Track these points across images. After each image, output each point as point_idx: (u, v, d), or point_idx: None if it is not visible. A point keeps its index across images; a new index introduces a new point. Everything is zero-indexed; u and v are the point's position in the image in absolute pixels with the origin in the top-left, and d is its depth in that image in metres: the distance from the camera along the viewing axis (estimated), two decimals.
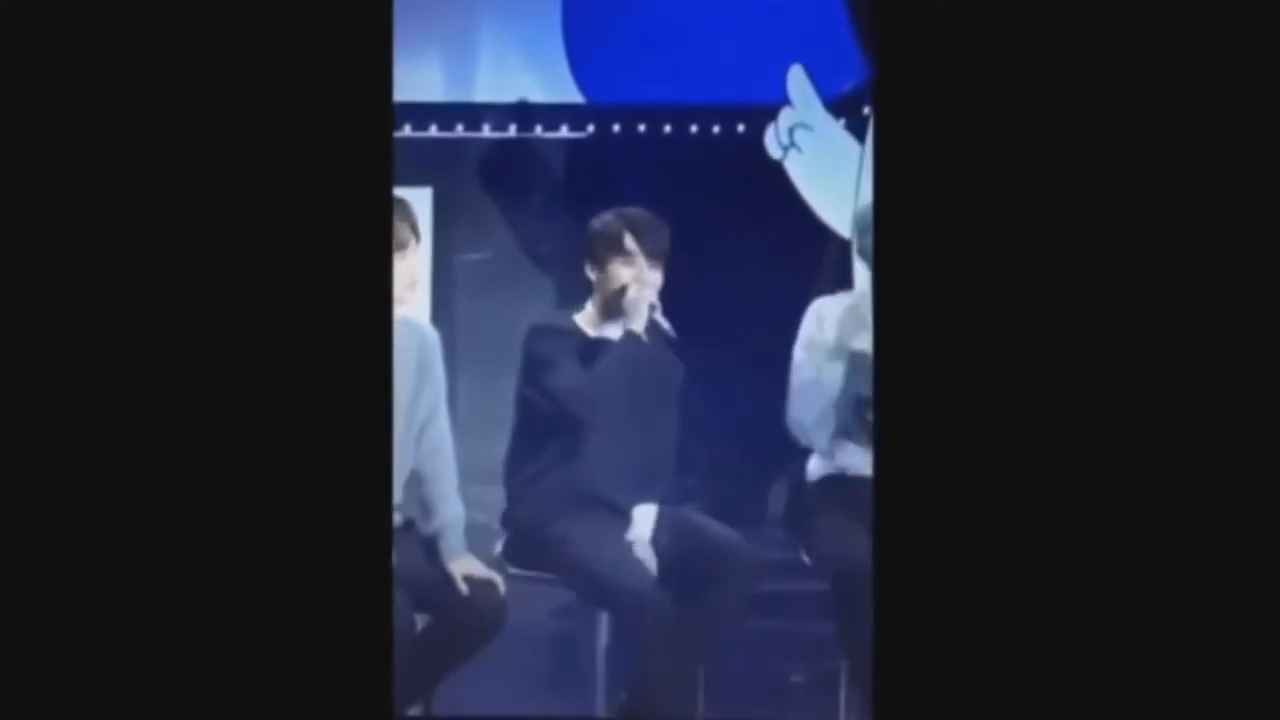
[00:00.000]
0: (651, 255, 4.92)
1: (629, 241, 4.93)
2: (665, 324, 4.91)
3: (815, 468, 4.98)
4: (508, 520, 4.98)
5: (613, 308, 4.94)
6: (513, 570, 4.87)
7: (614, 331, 4.91)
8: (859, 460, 4.85)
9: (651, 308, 4.90)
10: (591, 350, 4.90)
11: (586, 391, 4.84)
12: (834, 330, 4.94)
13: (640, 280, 4.91)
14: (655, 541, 4.83)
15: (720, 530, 4.89)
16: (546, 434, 4.92)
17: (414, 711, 4.63)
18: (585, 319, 4.98)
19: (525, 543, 4.91)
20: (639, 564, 4.79)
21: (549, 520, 4.85)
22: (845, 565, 4.65)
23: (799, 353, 4.96)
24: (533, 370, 4.91)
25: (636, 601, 4.69)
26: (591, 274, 4.98)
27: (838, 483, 4.90)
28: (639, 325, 4.89)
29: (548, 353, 4.90)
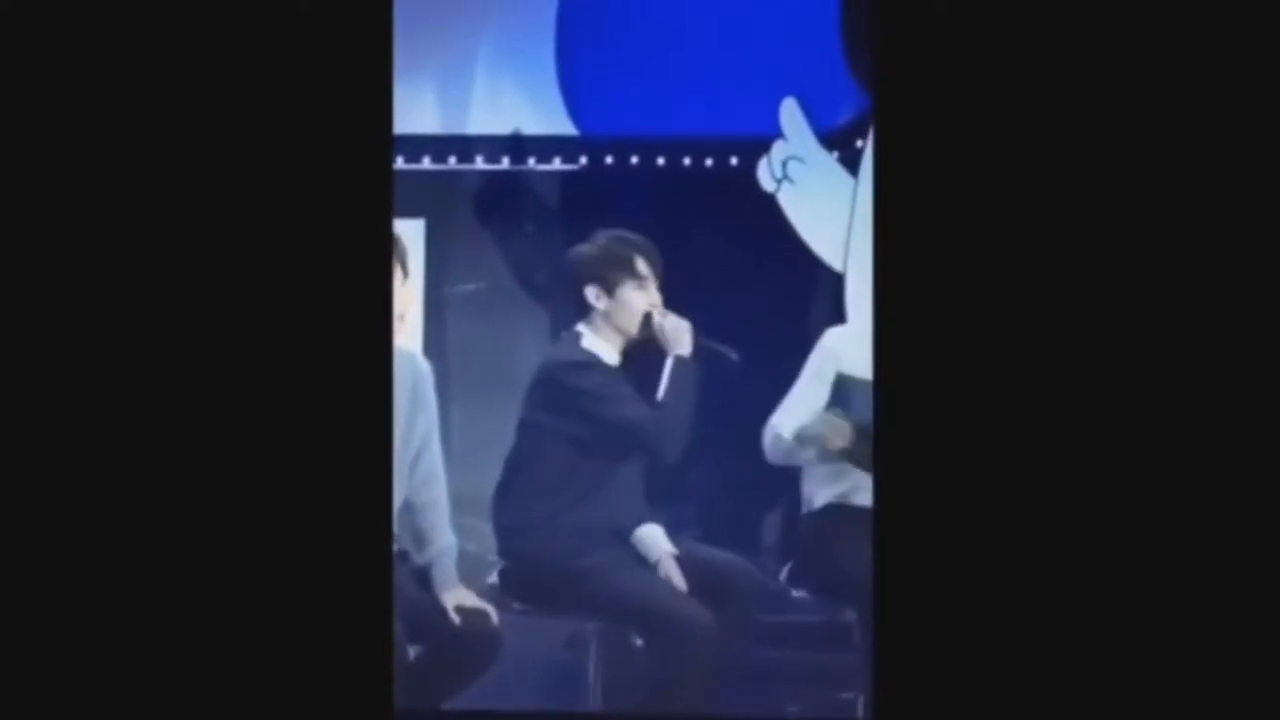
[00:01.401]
0: (658, 278, 4.89)
1: (641, 266, 4.91)
2: (713, 343, 4.87)
3: (812, 497, 4.97)
4: (525, 556, 4.89)
5: (637, 335, 4.89)
6: (526, 608, 4.85)
7: (655, 358, 4.86)
8: (858, 488, 4.85)
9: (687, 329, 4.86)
10: (628, 379, 4.86)
11: (655, 421, 4.79)
12: (835, 359, 4.95)
13: (654, 303, 4.87)
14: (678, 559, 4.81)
15: (724, 555, 4.88)
16: (586, 466, 4.85)
17: None
18: (600, 347, 4.93)
19: (555, 578, 4.83)
20: (674, 586, 4.76)
21: (577, 555, 4.80)
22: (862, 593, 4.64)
23: (802, 379, 4.98)
24: (577, 406, 4.83)
25: (684, 623, 4.65)
26: (597, 300, 4.92)
27: (840, 511, 4.89)
28: (687, 349, 4.86)
29: (590, 388, 4.82)
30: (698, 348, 4.88)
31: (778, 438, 4.93)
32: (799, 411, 4.94)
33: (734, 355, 4.91)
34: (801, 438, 4.87)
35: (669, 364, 4.85)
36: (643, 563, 4.80)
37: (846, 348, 4.96)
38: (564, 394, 4.84)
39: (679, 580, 4.76)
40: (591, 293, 4.92)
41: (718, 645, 4.66)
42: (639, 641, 4.78)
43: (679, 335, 4.85)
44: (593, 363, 4.87)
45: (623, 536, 4.84)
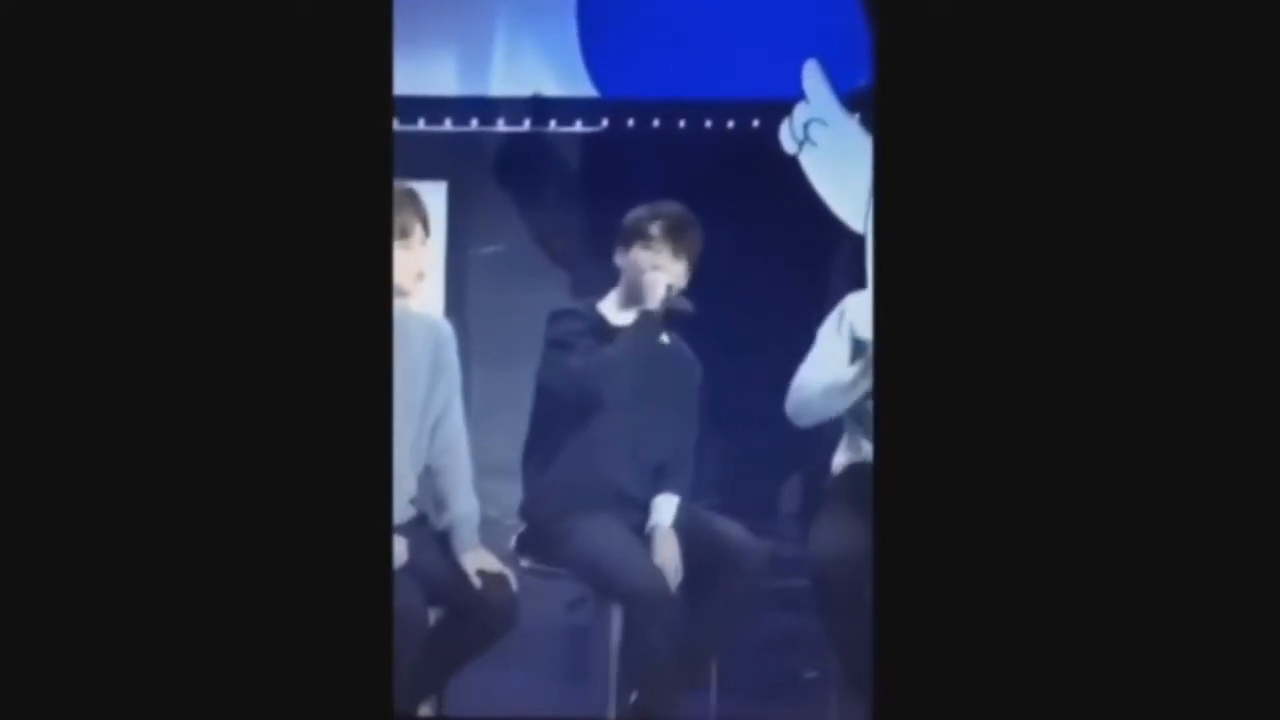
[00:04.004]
0: (677, 247, 4.93)
1: (653, 229, 4.93)
2: (687, 304, 4.91)
3: (835, 461, 4.97)
4: (523, 512, 4.97)
5: (633, 293, 4.94)
6: (525, 563, 4.87)
7: (631, 315, 4.91)
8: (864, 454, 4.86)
9: (669, 288, 4.90)
10: (607, 334, 4.90)
11: (597, 372, 4.83)
12: (852, 325, 4.95)
13: (658, 266, 4.91)
14: (676, 531, 4.83)
15: (727, 525, 4.89)
16: (560, 420, 4.91)
17: (426, 709, 4.64)
18: (608, 306, 4.98)
19: (539, 535, 4.91)
20: (649, 560, 4.79)
21: (562, 512, 4.85)
22: (835, 560, 4.63)
23: (818, 343, 4.98)
24: (549, 354, 4.91)
25: (646, 598, 4.69)
26: (620, 262, 4.99)
27: (848, 476, 4.89)
28: (653, 304, 4.89)
29: (563, 335, 4.89)
30: (666, 306, 4.90)
31: (802, 390, 4.92)
32: (824, 367, 4.93)
33: (692, 311, 4.93)
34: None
35: (634, 319, 4.89)
36: (635, 531, 4.83)
37: (863, 313, 4.95)
38: (545, 344, 4.92)
39: (664, 553, 4.79)
40: (617, 255, 5.00)
41: (687, 623, 4.71)
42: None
43: (651, 291, 4.89)
44: (569, 311, 4.95)
45: (610, 496, 4.87)
